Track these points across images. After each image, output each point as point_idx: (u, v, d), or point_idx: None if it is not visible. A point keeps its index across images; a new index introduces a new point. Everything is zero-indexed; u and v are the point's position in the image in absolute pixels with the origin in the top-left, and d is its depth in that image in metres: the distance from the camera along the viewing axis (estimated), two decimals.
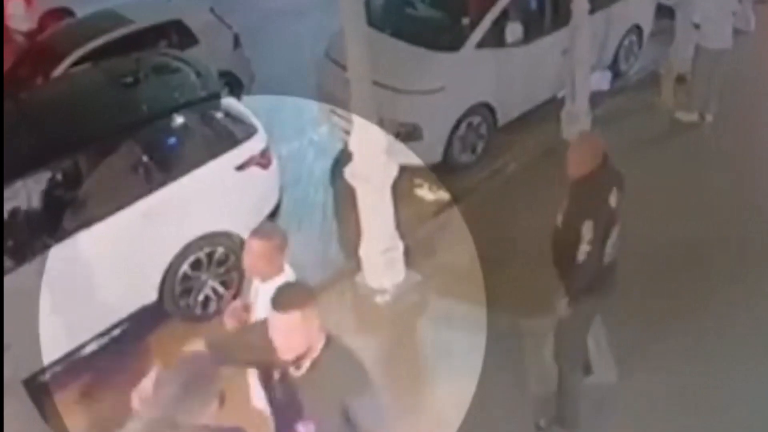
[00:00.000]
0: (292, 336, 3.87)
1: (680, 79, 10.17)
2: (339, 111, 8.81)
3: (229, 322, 4.84)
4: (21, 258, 6.32)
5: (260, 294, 4.68)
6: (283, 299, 3.87)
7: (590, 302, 5.60)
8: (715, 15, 9.36)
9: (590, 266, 5.34)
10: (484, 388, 6.35)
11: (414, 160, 8.57)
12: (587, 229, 5.26)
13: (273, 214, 7.73)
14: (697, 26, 9.65)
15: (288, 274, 4.72)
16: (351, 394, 3.91)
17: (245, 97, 9.18)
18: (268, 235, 4.69)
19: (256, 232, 4.71)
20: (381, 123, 7.04)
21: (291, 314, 3.81)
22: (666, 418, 6.11)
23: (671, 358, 6.56)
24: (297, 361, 3.95)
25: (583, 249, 5.28)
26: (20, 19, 13.05)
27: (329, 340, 3.99)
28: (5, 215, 6.27)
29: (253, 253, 4.61)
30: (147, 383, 3.75)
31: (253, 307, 4.79)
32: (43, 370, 6.55)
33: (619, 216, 5.45)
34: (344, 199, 7.98)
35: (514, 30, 9.27)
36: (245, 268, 4.83)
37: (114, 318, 6.92)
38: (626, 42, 11.00)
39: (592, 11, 9.28)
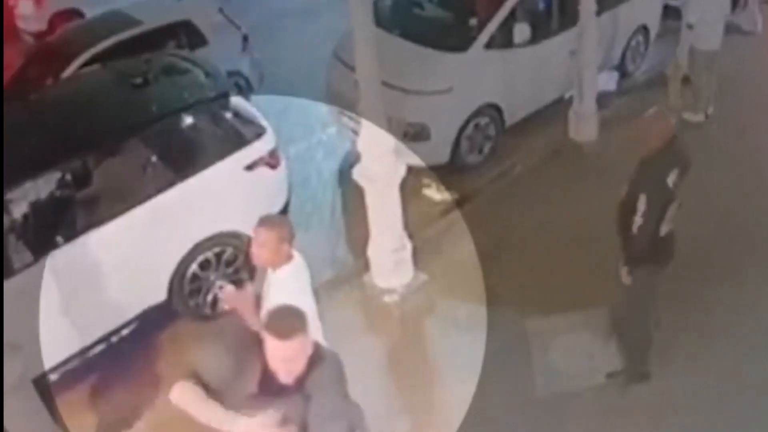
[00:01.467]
0: (296, 361, 3.64)
1: (687, 80, 10.16)
2: (347, 111, 8.82)
3: (229, 301, 4.95)
4: (30, 258, 6.33)
5: (272, 283, 4.76)
6: (284, 326, 3.60)
7: (648, 270, 5.86)
8: (710, 17, 9.39)
9: (643, 239, 5.67)
10: (485, 388, 6.37)
11: (421, 160, 8.59)
12: (641, 202, 5.57)
13: (282, 215, 7.74)
14: (690, 27, 9.67)
15: (297, 261, 4.81)
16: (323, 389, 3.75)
17: (254, 98, 9.17)
18: (275, 225, 4.79)
19: (263, 221, 4.80)
20: (389, 123, 7.06)
21: (294, 340, 3.58)
22: (667, 418, 6.13)
23: (671, 357, 6.55)
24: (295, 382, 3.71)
25: (636, 221, 5.61)
26: (30, 20, 13.16)
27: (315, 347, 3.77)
28: (15, 216, 6.29)
29: (260, 241, 4.71)
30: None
31: (266, 297, 4.80)
32: (52, 370, 6.56)
33: (676, 195, 5.69)
34: (352, 199, 8.01)
35: (521, 31, 9.28)
36: (253, 257, 4.85)
37: (123, 317, 6.94)
38: (633, 42, 11.00)
39: (599, 12, 9.29)
